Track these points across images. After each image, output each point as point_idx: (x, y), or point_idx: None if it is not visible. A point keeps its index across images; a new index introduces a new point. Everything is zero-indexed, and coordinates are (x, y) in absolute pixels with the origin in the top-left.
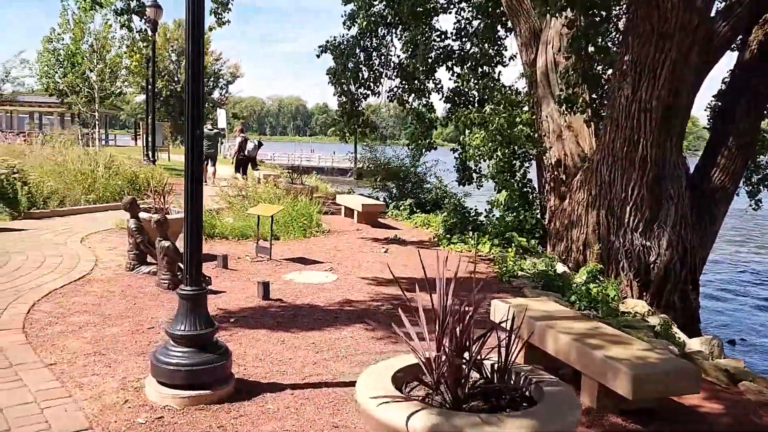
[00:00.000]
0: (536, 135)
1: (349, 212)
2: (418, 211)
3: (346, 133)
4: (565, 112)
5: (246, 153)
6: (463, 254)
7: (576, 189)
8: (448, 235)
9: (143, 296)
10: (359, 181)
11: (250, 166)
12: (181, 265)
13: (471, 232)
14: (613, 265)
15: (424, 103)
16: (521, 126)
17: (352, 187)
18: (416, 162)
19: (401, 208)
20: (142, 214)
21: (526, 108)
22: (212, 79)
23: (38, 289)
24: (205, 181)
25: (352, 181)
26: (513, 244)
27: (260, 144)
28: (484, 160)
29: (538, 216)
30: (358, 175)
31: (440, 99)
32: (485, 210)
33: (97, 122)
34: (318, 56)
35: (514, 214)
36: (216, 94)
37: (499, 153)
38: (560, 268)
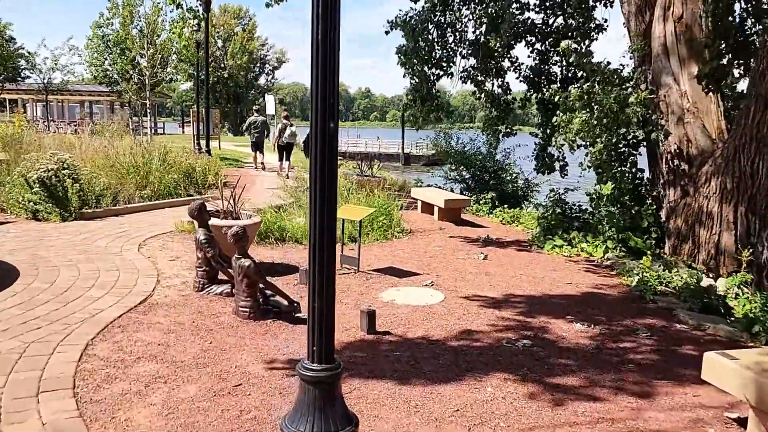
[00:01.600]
0: (651, 117)
1: (427, 207)
2: (500, 205)
3: (419, 118)
4: (691, 91)
5: (283, 140)
6: (571, 259)
7: (704, 181)
8: (549, 236)
9: (220, 330)
10: (406, 167)
11: (303, 155)
12: (262, 286)
13: (576, 232)
14: (755, 273)
15: (499, 83)
16: (634, 107)
17: (420, 177)
18: (493, 149)
19: (482, 202)
20: (212, 221)
21: (628, 86)
22: (258, 64)
23: (92, 321)
24: (255, 167)
25: (399, 167)
26: (647, 252)
27: None
28: (580, 147)
29: (653, 212)
30: (405, 161)
31: (517, 78)
32: (590, 205)
33: (148, 110)
34: (387, 33)
35: (623, 210)
36: (262, 80)
37: (604, 138)
38: (704, 280)
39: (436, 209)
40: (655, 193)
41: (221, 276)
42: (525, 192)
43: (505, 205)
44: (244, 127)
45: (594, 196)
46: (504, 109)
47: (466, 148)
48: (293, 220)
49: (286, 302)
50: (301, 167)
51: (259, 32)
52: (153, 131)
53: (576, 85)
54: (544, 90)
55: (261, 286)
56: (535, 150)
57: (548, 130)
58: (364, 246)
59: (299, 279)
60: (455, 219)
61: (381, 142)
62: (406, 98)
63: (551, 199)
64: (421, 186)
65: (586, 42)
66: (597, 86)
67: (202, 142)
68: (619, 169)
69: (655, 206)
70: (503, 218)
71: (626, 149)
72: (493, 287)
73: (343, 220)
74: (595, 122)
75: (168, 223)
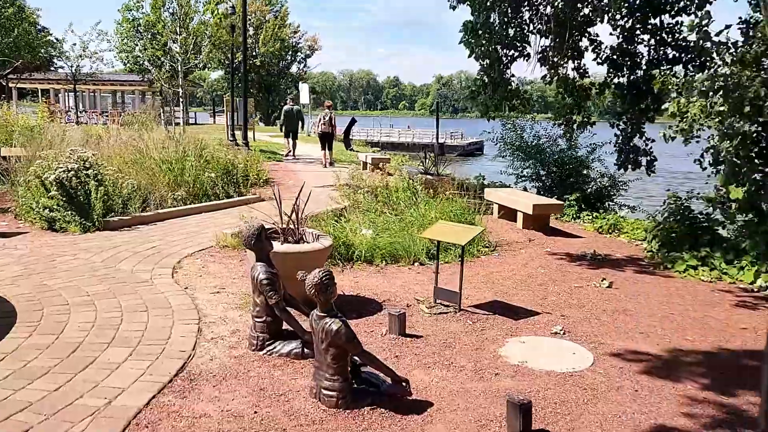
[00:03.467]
0: None
1: (507, 212)
2: (586, 208)
3: (489, 106)
4: None
5: (320, 129)
6: (716, 287)
7: None
8: (674, 252)
9: (296, 428)
10: (440, 157)
11: (344, 146)
12: (363, 365)
13: (708, 248)
14: None
15: (575, 65)
16: None
17: (481, 171)
18: (573, 143)
19: (566, 205)
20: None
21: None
22: (290, 52)
23: (106, 415)
24: (287, 156)
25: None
26: None
27: (354, 121)
28: (696, 138)
29: None
30: (440, 151)
31: (594, 60)
32: (720, 213)
33: (181, 99)
34: (453, 8)
35: (761, 219)
36: (294, 69)
37: (743, 129)
38: None
39: (520, 215)
40: None
41: (285, 325)
42: (609, 192)
43: (600, 210)
44: (281, 117)
45: (717, 200)
46: (580, 96)
47: (541, 141)
48: (357, 231)
49: (387, 378)
50: (343, 160)
51: (291, 19)
52: (187, 121)
53: (706, 66)
54: (627, 72)
55: (356, 360)
56: (617, 142)
57: (634, 119)
58: (446, 266)
59: (388, 327)
60: (543, 227)
61: (414, 131)
62: (473, 84)
63: (671, 205)
64: (482, 182)
65: (683, 16)
66: (728, 68)
67: (237, 134)
68: (761, 168)
69: None
70: (600, 226)
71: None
72: (645, 336)
73: (439, 243)
74: (727, 109)
75: (206, 233)
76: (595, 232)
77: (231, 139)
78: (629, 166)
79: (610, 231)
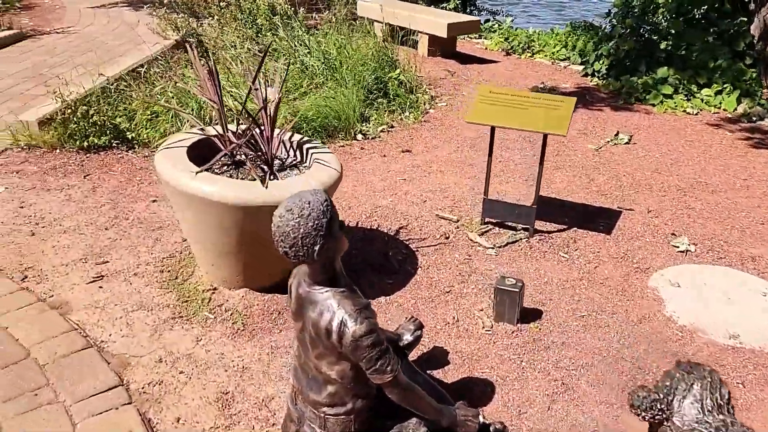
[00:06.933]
0: None
1: (396, 31)
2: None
3: None
4: None
5: None
6: (708, 120)
7: None
8: (632, 77)
9: None
10: None
11: None
12: None
13: (666, 68)
14: None
15: None
16: None
17: None
18: None
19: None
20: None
21: None
22: None
23: None
24: None
25: None
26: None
27: None
28: None
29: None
30: None
31: None
32: (666, 22)
33: None
34: None
35: (690, 25)
36: None
37: None
38: None
39: (424, 39)
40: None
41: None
42: None
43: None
44: None
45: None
46: None
47: None
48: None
49: None
50: None
51: None
52: None
53: None
54: None
55: None
56: None
57: None
58: (394, 139)
59: (495, 307)
60: (451, 53)
61: None
62: None
63: (618, 17)
64: None
65: None
66: None
67: None
68: None
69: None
70: (511, 47)
71: None
72: None
73: (492, 129)
74: None
75: None
76: (502, 52)
77: None
78: None
79: (521, 51)
